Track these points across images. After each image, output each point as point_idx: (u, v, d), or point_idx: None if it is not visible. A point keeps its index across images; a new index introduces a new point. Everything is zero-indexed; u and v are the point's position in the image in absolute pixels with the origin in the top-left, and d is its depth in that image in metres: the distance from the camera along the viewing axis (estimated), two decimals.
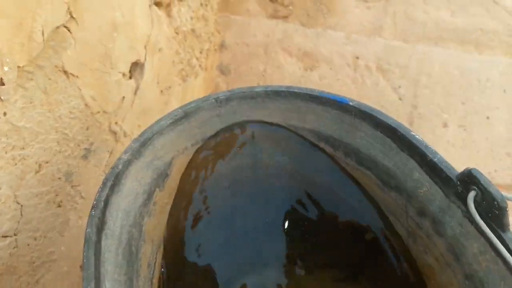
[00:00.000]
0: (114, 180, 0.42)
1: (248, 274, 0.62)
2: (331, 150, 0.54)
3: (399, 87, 0.94)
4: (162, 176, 0.50)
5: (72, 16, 0.49)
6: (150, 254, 0.48)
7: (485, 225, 0.37)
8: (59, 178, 0.53)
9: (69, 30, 0.49)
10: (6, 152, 0.44)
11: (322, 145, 0.55)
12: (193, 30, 0.79)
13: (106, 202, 0.40)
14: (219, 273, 0.61)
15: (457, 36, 1.02)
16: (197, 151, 0.55)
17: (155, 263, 0.50)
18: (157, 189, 0.49)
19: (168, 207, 0.53)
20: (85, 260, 0.35)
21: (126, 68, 0.62)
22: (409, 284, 0.48)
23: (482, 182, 0.37)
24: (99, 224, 0.39)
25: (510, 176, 0.84)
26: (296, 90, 0.52)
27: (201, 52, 0.84)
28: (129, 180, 0.44)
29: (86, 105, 0.55)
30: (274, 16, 1.05)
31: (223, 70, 0.96)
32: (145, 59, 0.66)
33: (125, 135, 0.65)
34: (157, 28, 0.68)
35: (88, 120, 0.56)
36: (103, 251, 0.37)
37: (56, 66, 0.48)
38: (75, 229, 0.57)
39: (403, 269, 0.49)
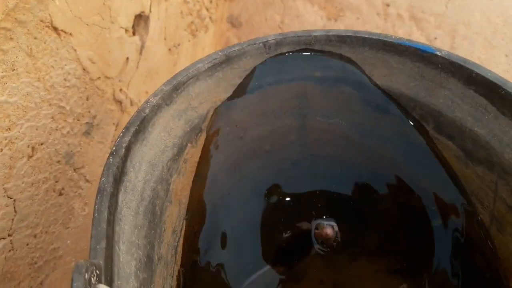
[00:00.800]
0: (139, 126, 0.35)
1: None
2: (403, 113, 0.45)
3: (435, 38, 0.83)
4: (195, 130, 0.42)
5: None
6: (177, 219, 0.40)
7: None
8: (58, 162, 0.43)
9: None
10: None
11: (391, 107, 0.45)
12: None
13: (128, 150, 0.33)
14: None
15: None
16: (236, 106, 0.46)
17: (181, 230, 0.42)
18: (189, 145, 0.42)
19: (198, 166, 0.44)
20: (96, 215, 0.28)
21: (128, 22, 0.50)
22: (485, 283, 0.41)
23: None
24: (118, 174, 0.31)
25: None
26: (366, 36, 0.43)
27: (211, 1, 0.72)
28: (156, 129, 0.37)
29: (83, 69, 0.44)
30: None
31: (233, 23, 0.84)
32: (150, 10, 0.54)
33: (131, 103, 0.55)
34: None
35: (88, 89, 0.46)
36: (120, 207, 0.31)
37: (42, 21, 0.37)
38: (81, 219, 0.48)
39: (479, 263, 0.41)
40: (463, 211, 0.42)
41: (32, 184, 0.40)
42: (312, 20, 0.84)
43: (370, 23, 0.83)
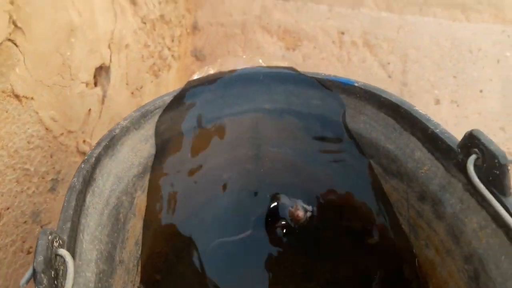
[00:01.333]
0: (109, 142, 0.40)
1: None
2: (336, 139, 0.51)
3: (388, 63, 0.87)
4: (159, 155, 0.47)
5: (16, 26, 0.38)
6: (139, 233, 0.45)
7: (485, 188, 0.34)
8: (25, 222, 0.44)
9: (15, 44, 0.39)
10: None
11: (328, 133, 0.51)
12: (162, 16, 0.68)
13: (98, 160, 0.39)
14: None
15: (442, 0, 0.96)
16: (198, 136, 0.50)
17: (142, 245, 0.46)
18: (154, 167, 0.47)
19: (161, 189, 0.49)
20: (65, 204, 0.34)
21: (89, 76, 0.52)
22: None
23: (483, 140, 0.35)
24: (87, 178, 0.37)
25: (505, 152, 0.81)
26: (300, 74, 0.50)
27: (172, 40, 0.74)
28: (125, 148, 0.43)
29: (46, 129, 0.45)
30: None
31: (197, 56, 0.86)
32: (110, 60, 0.56)
33: None
34: (122, 21, 0.57)
35: (52, 146, 0.47)
36: (87, 205, 0.36)
37: (3, 92, 0.38)
38: None
39: (405, 272, 0.46)
40: (390, 224, 0.47)
41: None
42: (272, 50, 0.87)
43: (326, 51, 0.87)
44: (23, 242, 0.44)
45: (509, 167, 0.35)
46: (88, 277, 0.34)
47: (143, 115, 0.45)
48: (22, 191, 0.43)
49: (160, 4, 0.66)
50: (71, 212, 0.33)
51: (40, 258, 0.28)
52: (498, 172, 0.34)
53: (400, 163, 0.44)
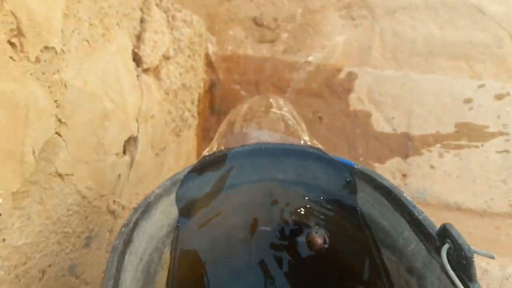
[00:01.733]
0: (145, 208, 0.48)
1: None
2: (339, 210, 0.57)
3: (393, 118, 0.94)
4: (185, 216, 0.55)
5: (61, 122, 0.48)
6: (165, 282, 0.53)
7: (454, 274, 0.41)
8: (63, 275, 0.53)
9: (59, 135, 0.49)
10: (9, 274, 0.44)
11: (332, 206, 0.58)
12: (183, 85, 0.78)
13: (136, 224, 0.46)
14: None
15: (446, 51, 1.01)
16: (217, 198, 0.58)
17: None
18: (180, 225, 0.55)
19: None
20: (109, 263, 0.41)
21: (119, 149, 0.61)
22: None
23: (453, 234, 0.41)
24: (127, 240, 0.44)
25: (507, 204, 0.85)
26: (307, 149, 0.58)
27: (192, 103, 0.84)
28: (158, 211, 0.51)
29: (83, 197, 0.55)
30: (261, 40, 1.04)
31: (214, 111, 0.95)
32: (138, 131, 0.65)
33: (123, 208, 0.65)
34: (147, 96, 0.67)
35: (87, 210, 0.56)
36: (126, 262, 0.43)
37: (50, 174, 0.48)
38: None
39: None
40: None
41: None
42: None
43: (334, 107, 0.94)
44: None
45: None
46: None
47: (173, 183, 0.53)
48: (62, 250, 0.52)
49: (180, 75, 0.76)
50: (114, 271, 0.41)
51: None
52: (465, 262, 0.40)
53: (393, 238, 0.50)
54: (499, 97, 0.91)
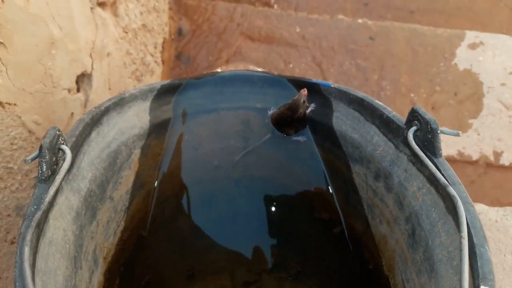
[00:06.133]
0: (118, 101, 0.50)
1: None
2: (313, 135, 0.59)
3: (365, 67, 0.92)
4: (162, 126, 0.57)
5: None
6: (131, 185, 0.54)
7: (420, 150, 0.42)
8: (9, 215, 0.49)
9: None
10: None
11: (307, 132, 0.59)
12: (144, 25, 0.73)
13: (107, 110, 0.48)
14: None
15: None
16: (196, 122, 0.58)
17: (132, 198, 0.55)
18: (154, 135, 0.56)
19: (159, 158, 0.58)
20: (75, 124, 0.44)
21: (71, 83, 0.57)
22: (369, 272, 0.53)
23: (420, 112, 0.43)
24: (95, 118, 0.46)
25: (477, 152, 0.86)
26: (288, 78, 0.58)
27: (155, 47, 0.79)
28: (131, 111, 0.52)
29: (29, 131, 0.50)
30: None
31: (182, 59, 0.91)
32: (92, 67, 0.61)
33: None
34: (103, 31, 0.62)
35: (35, 147, 0.52)
36: (91, 138, 0.46)
37: None
38: None
39: (364, 255, 0.54)
40: (353, 209, 0.55)
41: None
42: (254, 55, 0.92)
43: (305, 58, 0.91)
44: (7, 233, 0.49)
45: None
46: (81, 187, 0.42)
47: (150, 90, 0.54)
48: (5, 187, 0.48)
49: (141, 15, 0.71)
50: (77, 133, 0.42)
51: (47, 140, 0.36)
52: (430, 136, 0.42)
53: (362, 148, 0.53)
54: (472, 46, 0.90)
